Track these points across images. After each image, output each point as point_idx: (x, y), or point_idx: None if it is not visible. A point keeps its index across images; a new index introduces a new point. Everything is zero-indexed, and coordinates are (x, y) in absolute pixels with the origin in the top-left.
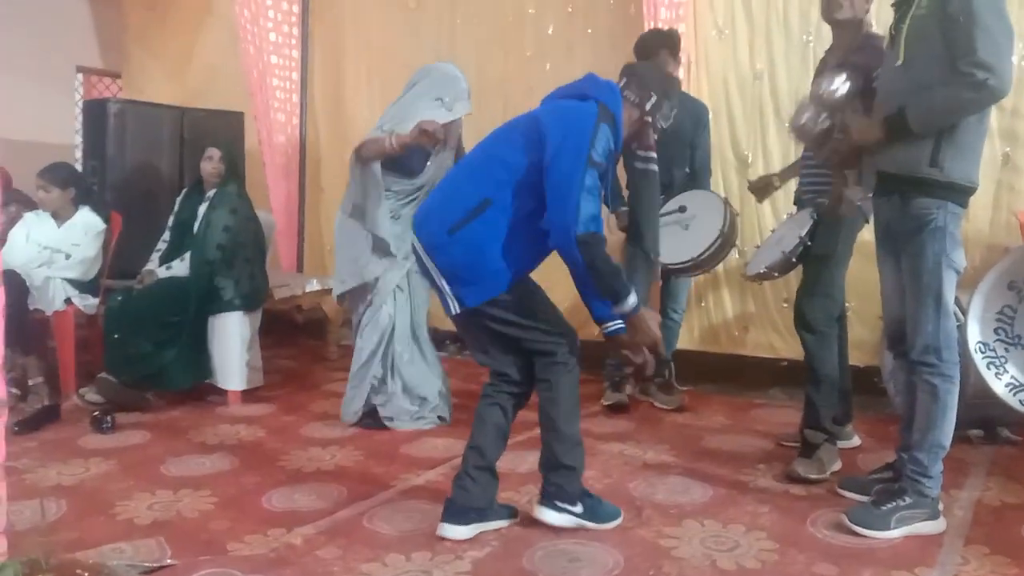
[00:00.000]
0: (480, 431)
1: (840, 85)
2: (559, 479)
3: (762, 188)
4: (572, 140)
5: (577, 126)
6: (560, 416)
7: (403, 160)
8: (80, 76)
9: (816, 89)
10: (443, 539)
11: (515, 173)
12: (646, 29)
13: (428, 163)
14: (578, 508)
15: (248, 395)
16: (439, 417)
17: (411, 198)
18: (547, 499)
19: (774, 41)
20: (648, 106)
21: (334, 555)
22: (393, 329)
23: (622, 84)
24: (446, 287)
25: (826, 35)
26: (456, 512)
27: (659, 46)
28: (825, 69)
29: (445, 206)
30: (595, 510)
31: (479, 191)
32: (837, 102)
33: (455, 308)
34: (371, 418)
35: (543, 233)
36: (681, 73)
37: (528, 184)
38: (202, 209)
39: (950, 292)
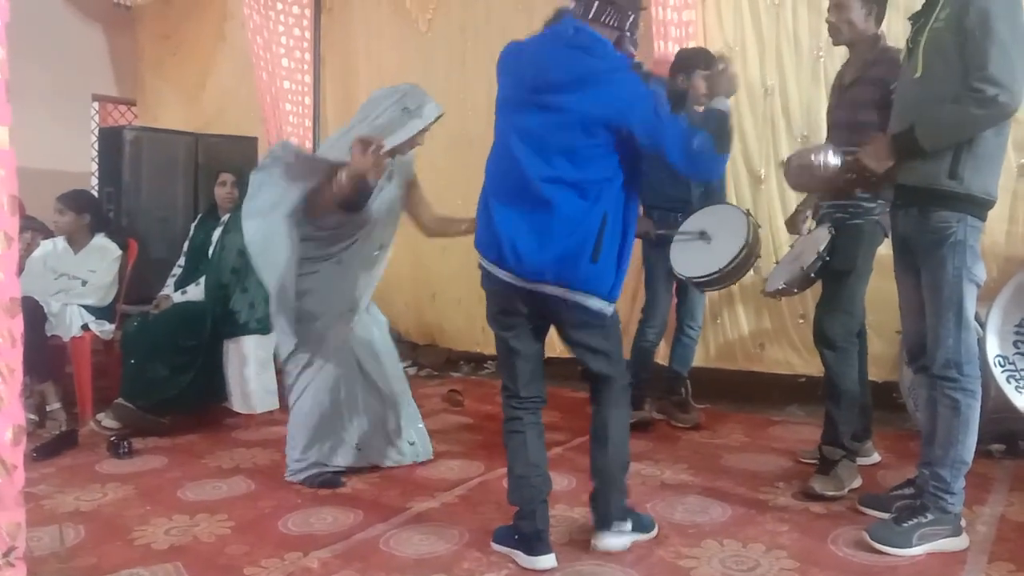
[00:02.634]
0: (541, 454)
1: (831, 158)
2: (616, 499)
3: (796, 222)
4: (639, 105)
5: (632, 92)
6: (623, 436)
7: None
8: (96, 104)
9: (808, 161)
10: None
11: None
12: (655, 48)
13: (373, 197)
14: (628, 525)
15: (264, 418)
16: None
17: (352, 239)
18: (605, 523)
19: (784, 57)
20: (627, 24)
21: None
22: (358, 373)
23: (594, 9)
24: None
25: (837, 50)
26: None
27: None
28: (841, 84)
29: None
30: (639, 521)
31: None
32: (831, 174)
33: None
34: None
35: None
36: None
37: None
38: (216, 234)
39: (971, 306)
